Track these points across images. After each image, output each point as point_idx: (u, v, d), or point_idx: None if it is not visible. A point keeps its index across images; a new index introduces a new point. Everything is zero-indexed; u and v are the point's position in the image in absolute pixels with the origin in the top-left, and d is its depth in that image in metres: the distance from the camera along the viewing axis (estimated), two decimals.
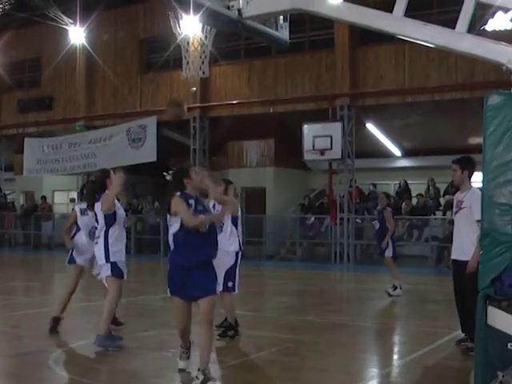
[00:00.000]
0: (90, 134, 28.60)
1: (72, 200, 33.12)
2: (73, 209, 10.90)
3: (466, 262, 8.33)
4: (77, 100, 29.90)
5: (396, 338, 10.48)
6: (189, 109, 26.42)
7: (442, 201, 23.57)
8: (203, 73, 21.60)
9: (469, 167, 8.81)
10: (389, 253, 14.76)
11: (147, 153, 26.04)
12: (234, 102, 25.64)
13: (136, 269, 22.94)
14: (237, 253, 9.52)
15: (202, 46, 20.30)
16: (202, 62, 21.09)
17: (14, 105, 32.69)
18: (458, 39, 8.09)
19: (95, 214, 9.08)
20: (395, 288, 14.56)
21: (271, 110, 25.05)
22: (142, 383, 7.18)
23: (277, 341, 9.52)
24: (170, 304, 13.18)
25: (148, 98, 27.79)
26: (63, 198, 33.89)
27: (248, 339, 9.80)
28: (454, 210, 8.92)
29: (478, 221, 8.23)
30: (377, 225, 15.14)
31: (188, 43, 20.76)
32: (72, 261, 10.08)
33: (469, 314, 8.36)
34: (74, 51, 29.40)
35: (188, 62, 20.57)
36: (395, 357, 8.80)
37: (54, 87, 31.12)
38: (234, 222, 9.59)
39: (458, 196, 8.90)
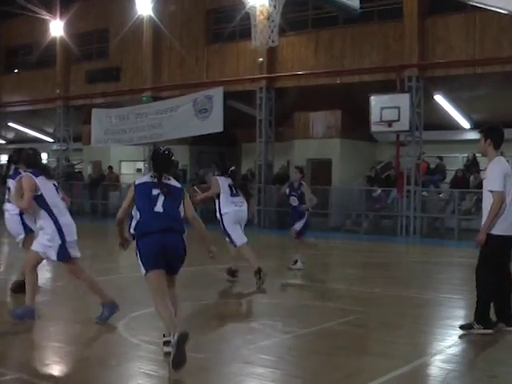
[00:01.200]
0: (156, 105, 28.75)
1: (138, 170, 33.49)
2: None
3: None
4: (144, 71, 30.02)
5: (462, 313, 10.32)
6: (255, 79, 26.44)
7: None
8: (272, 41, 21.42)
9: (493, 136, 8.40)
10: (298, 226, 14.29)
11: (213, 123, 26.07)
12: (301, 72, 25.40)
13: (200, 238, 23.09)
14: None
15: (270, 15, 20.11)
16: (272, 31, 20.91)
17: (82, 76, 33.01)
18: None
19: None
20: (296, 262, 14.17)
21: (338, 81, 24.78)
22: (210, 349, 7.20)
23: (344, 312, 9.47)
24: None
25: (214, 69, 27.75)
26: (130, 169, 34.25)
27: (315, 310, 9.79)
28: None
29: (490, 191, 8.00)
30: (295, 201, 14.41)
31: (257, 12, 20.62)
32: None
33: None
34: (141, 22, 29.54)
35: (257, 31, 20.43)
36: (463, 332, 8.67)
37: (121, 58, 31.30)
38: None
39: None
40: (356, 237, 23.01)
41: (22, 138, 42.18)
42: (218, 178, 12.38)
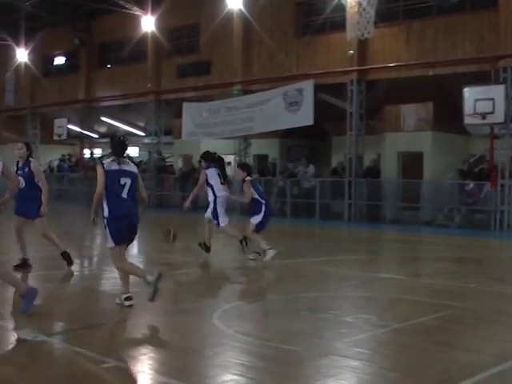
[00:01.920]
0: (247, 98, 28.87)
1: (228, 163, 33.68)
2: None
3: None
4: (234, 64, 30.16)
5: None
6: (346, 72, 26.25)
7: None
8: (368, 33, 21.25)
9: None
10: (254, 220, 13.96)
11: (304, 116, 26.01)
12: (392, 64, 25.09)
13: (291, 232, 23.15)
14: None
15: (366, 6, 19.90)
16: (367, 22, 20.76)
17: (173, 70, 33.40)
18: None
19: None
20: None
21: (430, 73, 24.35)
22: (304, 342, 7.20)
23: (438, 307, 9.32)
24: (326, 268, 13.28)
25: (305, 62, 27.65)
26: None
27: (409, 304, 9.68)
28: None
29: None
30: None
31: (350, 3, 20.44)
32: None
33: None
34: (231, 16, 29.70)
35: (352, 23, 20.26)
36: None
37: (211, 52, 31.52)
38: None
39: None
40: (448, 231, 22.63)
41: (114, 132, 43.03)
42: (206, 171, 14.20)
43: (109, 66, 38.62)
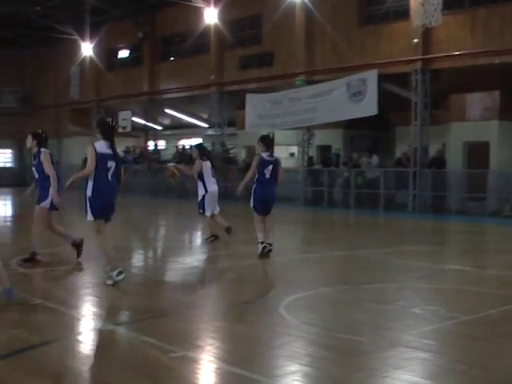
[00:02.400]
0: (309, 89, 28.76)
1: (291, 154, 33.68)
2: None
3: None
4: (296, 55, 30.06)
5: None
6: (410, 61, 25.96)
7: None
8: (435, 20, 20.91)
9: None
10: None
11: (367, 107, 25.80)
12: (457, 53, 24.71)
13: (355, 223, 23.05)
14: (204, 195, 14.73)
15: None
16: (435, 9, 20.44)
17: (235, 62, 33.46)
18: None
19: None
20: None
21: (496, 61, 23.91)
22: (370, 333, 7.16)
23: (506, 299, 9.16)
24: (390, 258, 13.19)
25: (368, 52, 27.40)
26: (283, 153, 34.46)
27: (476, 296, 9.54)
28: None
29: None
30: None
31: None
32: None
33: None
34: (293, 6, 29.62)
35: (419, 11, 19.98)
36: None
37: (274, 43, 31.46)
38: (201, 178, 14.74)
39: None
40: None
41: (177, 124, 43.39)
42: (201, 162, 14.78)
43: (172, 58, 38.85)
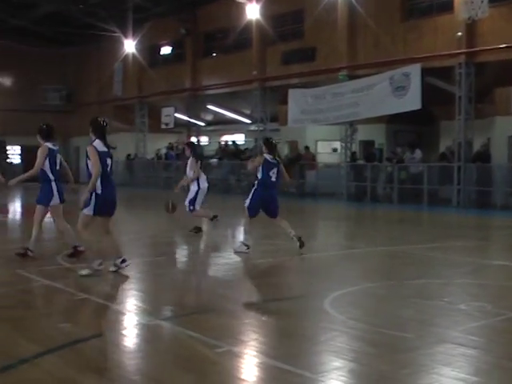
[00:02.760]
0: (352, 84, 28.62)
1: (334, 150, 33.55)
2: None
3: None
4: (339, 50, 29.92)
5: None
6: (454, 55, 25.68)
7: None
8: (482, 12, 20.63)
9: None
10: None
11: (411, 101, 25.60)
12: (502, 45, 24.37)
13: (398, 218, 22.89)
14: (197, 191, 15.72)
15: None
16: (481, 1, 20.16)
17: (277, 57, 33.40)
18: None
19: None
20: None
21: None
22: (416, 329, 7.10)
23: None
24: (434, 254, 13.06)
25: (411, 45, 27.16)
26: (326, 148, 34.41)
27: None
28: None
29: None
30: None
31: None
32: None
33: None
34: (335, 1, 29.49)
35: (465, 3, 19.71)
36: None
37: (316, 38, 31.34)
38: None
39: None
40: None
41: (220, 120, 43.48)
42: (198, 160, 15.89)
43: (214, 54, 38.95)
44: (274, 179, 12.70)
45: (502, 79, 25.35)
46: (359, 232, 18.21)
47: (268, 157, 12.69)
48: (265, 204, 12.74)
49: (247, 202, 12.75)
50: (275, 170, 12.67)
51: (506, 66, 24.51)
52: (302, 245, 12.54)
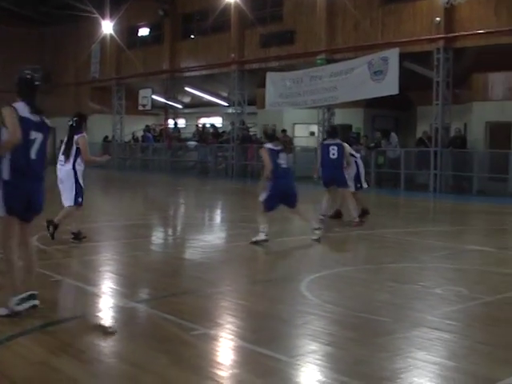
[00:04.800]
0: (330, 68, 28.59)
1: (312, 133, 33.53)
2: None
3: None
4: (317, 33, 29.84)
5: None
6: (432, 40, 25.69)
7: None
8: None
9: None
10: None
11: (389, 86, 25.61)
12: (480, 31, 24.41)
13: (376, 202, 22.92)
14: None
15: None
16: None
17: (256, 40, 33.24)
18: None
19: None
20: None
21: None
22: (393, 313, 7.11)
23: None
24: (412, 238, 13.11)
25: (390, 30, 27.15)
26: (303, 131, 34.38)
27: (499, 277, 9.45)
28: None
29: None
30: None
31: None
32: None
33: None
34: None
35: None
36: None
37: (295, 21, 31.24)
38: None
39: None
40: None
41: (197, 102, 43.31)
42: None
43: (192, 36, 38.72)
44: (284, 165, 11.84)
45: (480, 65, 25.42)
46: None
47: (270, 145, 11.87)
48: (282, 195, 11.89)
49: (263, 195, 11.87)
50: (283, 156, 11.86)
51: (484, 51, 24.57)
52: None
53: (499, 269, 9.98)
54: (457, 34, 25.25)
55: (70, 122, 11.37)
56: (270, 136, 12.43)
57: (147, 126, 42.81)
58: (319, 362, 5.63)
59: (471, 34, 24.73)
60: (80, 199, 11.27)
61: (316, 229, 12.08)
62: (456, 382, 5.15)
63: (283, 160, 11.82)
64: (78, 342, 6.14)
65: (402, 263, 10.29)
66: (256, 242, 11.61)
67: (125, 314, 7.23)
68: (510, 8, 23.85)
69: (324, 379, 5.23)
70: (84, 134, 11.32)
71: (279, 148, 11.96)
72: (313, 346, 6.02)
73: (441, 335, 6.29)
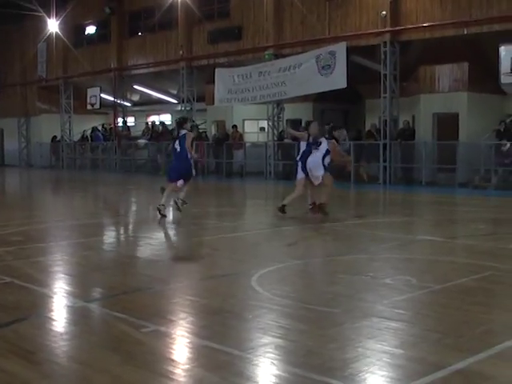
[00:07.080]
0: (279, 63, 28.68)
1: (262, 129, 33.59)
2: None
3: None
4: (265, 29, 29.90)
5: None
6: (379, 33, 25.91)
7: None
8: None
9: None
10: None
11: (337, 80, 25.82)
12: (426, 24, 24.68)
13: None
14: None
15: None
16: None
17: (204, 36, 33.19)
18: None
19: None
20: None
21: (465, 32, 23.90)
22: (343, 304, 7.16)
23: (478, 268, 9.20)
24: (362, 230, 13.22)
25: (337, 24, 27.31)
26: (253, 127, 34.43)
27: (448, 265, 9.58)
28: None
29: None
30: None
31: None
32: None
33: None
34: None
35: None
36: None
37: (242, 17, 31.25)
38: None
39: None
40: (484, 193, 22.41)
41: (146, 100, 43.11)
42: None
43: (140, 33, 38.49)
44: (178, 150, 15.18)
45: (426, 58, 25.76)
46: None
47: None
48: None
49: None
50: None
51: (430, 44, 24.92)
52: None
53: (448, 257, 10.14)
54: (403, 27, 25.52)
55: None
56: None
57: (101, 124, 42.58)
58: (271, 354, 5.64)
59: (417, 27, 25.02)
60: None
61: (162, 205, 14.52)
62: (406, 370, 5.21)
63: (177, 146, 14.99)
64: (28, 343, 6.06)
65: (352, 255, 10.37)
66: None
67: (75, 313, 7.16)
68: (454, 1, 24.14)
69: (276, 371, 5.25)
70: None
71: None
72: (264, 340, 6.03)
73: (390, 324, 6.36)
